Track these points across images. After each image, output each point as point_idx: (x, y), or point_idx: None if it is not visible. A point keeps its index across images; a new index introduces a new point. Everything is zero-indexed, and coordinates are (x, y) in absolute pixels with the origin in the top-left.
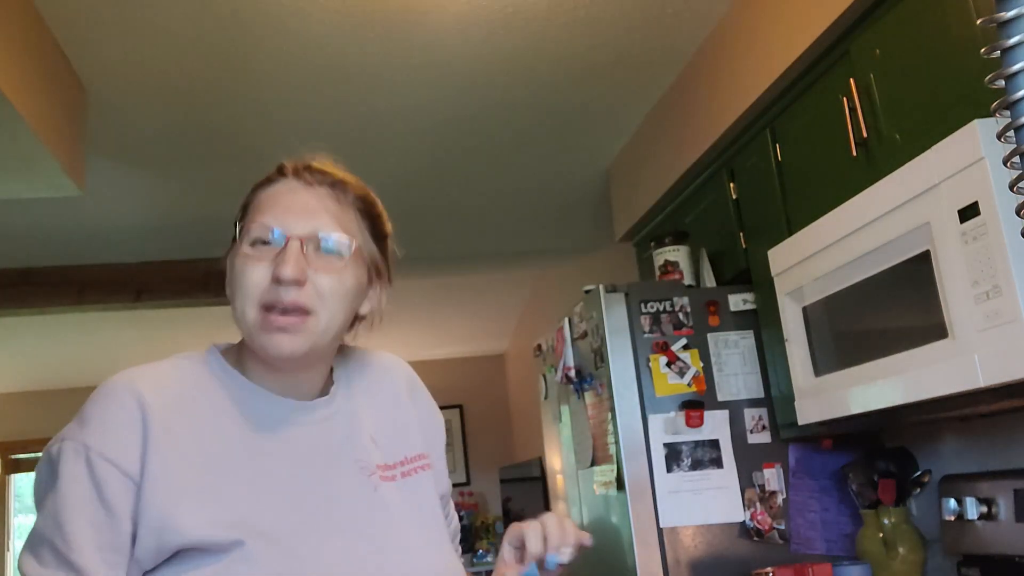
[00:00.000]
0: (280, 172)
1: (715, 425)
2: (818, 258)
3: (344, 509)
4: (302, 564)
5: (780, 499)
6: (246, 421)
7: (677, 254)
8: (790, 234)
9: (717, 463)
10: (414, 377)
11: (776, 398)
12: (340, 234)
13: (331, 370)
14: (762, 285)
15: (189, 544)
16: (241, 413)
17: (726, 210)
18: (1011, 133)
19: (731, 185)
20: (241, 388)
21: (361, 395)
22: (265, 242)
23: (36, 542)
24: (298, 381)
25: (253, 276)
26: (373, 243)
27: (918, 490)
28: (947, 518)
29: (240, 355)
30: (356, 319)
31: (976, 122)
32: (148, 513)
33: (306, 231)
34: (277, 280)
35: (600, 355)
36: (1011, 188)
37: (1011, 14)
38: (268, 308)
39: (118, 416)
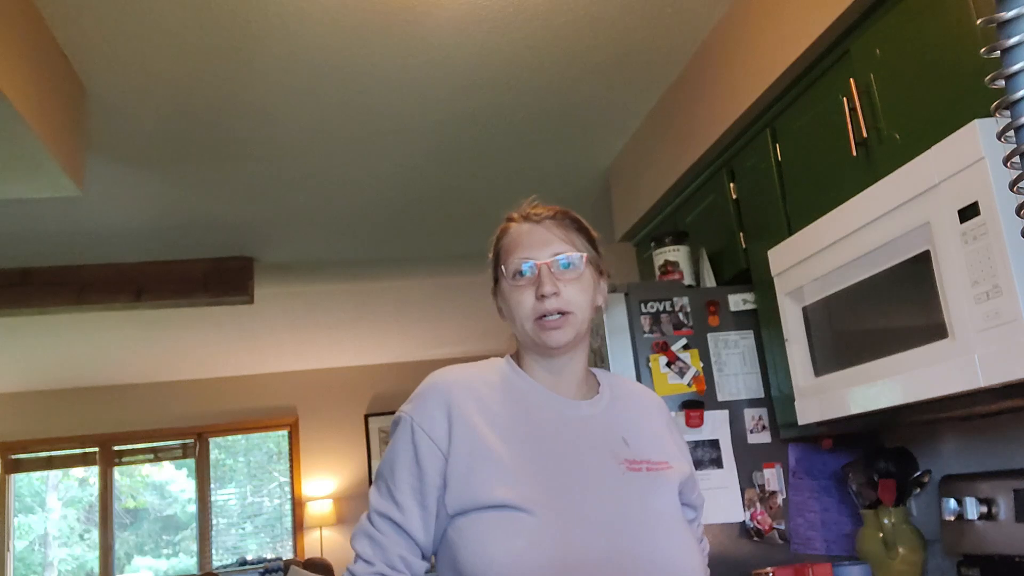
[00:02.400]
0: (511, 220)
1: (715, 425)
2: (818, 258)
3: (601, 485)
4: (571, 524)
5: (780, 499)
6: (529, 410)
7: (677, 254)
8: (790, 234)
9: (717, 463)
10: (667, 408)
11: (776, 398)
12: (573, 252)
13: (597, 383)
14: (762, 285)
15: (483, 505)
16: (526, 404)
17: (726, 210)
18: (1011, 133)
19: (731, 185)
20: (526, 384)
21: (620, 405)
22: (522, 273)
23: (378, 478)
24: (564, 373)
25: (523, 300)
26: (592, 249)
27: (918, 490)
28: (947, 518)
29: (520, 361)
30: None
31: (976, 122)
32: (454, 479)
33: (549, 257)
34: (542, 297)
35: (600, 355)
36: (1011, 188)
37: (1011, 14)
38: (540, 318)
39: (434, 400)
